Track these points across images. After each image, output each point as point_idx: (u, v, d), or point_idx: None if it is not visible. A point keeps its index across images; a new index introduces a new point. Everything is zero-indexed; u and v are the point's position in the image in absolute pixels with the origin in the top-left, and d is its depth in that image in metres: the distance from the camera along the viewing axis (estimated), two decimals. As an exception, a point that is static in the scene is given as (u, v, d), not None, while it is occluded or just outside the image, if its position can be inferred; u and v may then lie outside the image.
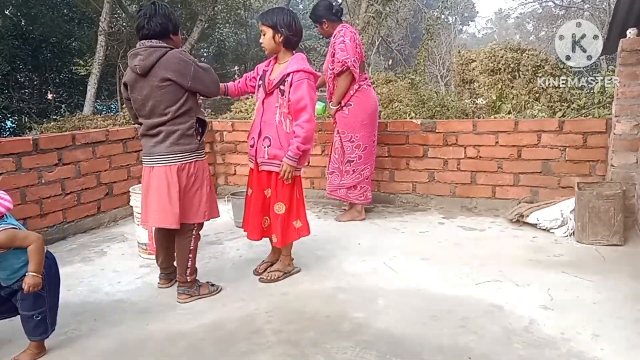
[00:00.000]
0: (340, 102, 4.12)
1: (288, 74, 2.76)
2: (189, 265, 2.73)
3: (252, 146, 2.91)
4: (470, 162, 4.49)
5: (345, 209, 4.49)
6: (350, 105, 4.10)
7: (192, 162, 2.67)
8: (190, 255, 2.74)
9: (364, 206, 4.38)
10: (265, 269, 3.09)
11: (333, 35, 4.07)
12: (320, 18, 4.12)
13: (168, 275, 2.94)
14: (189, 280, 2.74)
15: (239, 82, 3.12)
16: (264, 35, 2.86)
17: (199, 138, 2.70)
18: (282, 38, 2.82)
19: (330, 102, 4.22)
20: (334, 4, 4.14)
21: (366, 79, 4.22)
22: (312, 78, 2.81)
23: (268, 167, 2.87)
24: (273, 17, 2.82)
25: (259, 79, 2.93)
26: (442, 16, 13.54)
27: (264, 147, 2.84)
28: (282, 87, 2.78)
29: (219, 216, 2.90)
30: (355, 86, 4.07)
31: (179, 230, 2.72)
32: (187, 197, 2.68)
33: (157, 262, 2.97)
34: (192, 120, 2.66)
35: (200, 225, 2.80)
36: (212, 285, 2.86)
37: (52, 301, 2.22)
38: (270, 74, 2.88)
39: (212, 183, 2.89)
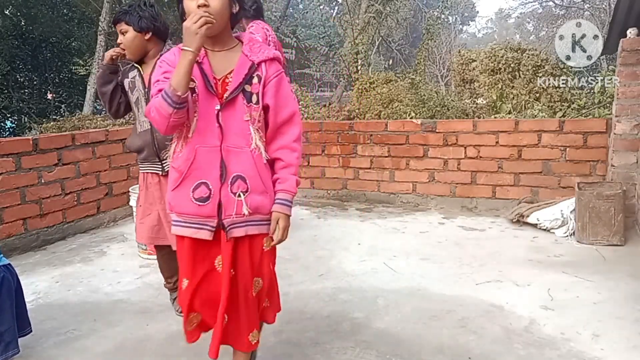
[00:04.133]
0: None
1: (258, 65, 1.67)
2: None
3: (205, 199, 1.64)
4: (471, 162, 4.49)
5: None
6: None
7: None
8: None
9: None
10: None
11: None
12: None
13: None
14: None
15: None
16: None
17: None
18: (237, 7, 1.67)
19: None
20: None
21: None
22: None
23: (244, 231, 1.68)
24: None
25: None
26: (442, 16, 13.53)
27: (238, 196, 1.64)
28: (247, 87, 1.65)
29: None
30: None
31: None
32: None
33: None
34: None
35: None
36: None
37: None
38: (210, 69, 1.65)
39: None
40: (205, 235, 1.66)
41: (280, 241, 1.71)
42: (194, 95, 1.62)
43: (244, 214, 1.65)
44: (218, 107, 1.63)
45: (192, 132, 1.65)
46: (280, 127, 1.71)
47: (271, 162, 1.73)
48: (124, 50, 2.39)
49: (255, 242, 1.71)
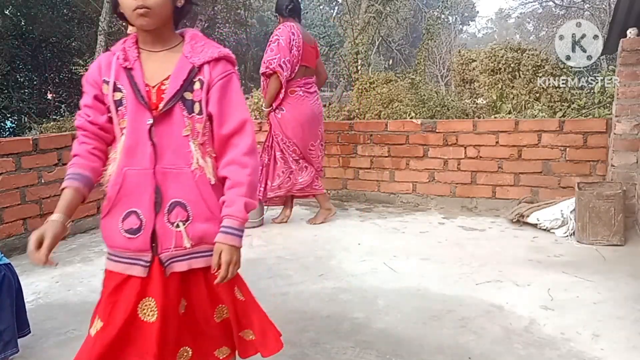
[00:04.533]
0: (272, 104, 3.97)
1: (199, 68, 1.40)
2: None
3: (136, 231, 1.37)
4: (471, 162, 4.49)
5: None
6: (283, 110, 3.96)
7: None
8: None
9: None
10: None
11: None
12: (275, 11, 4.21)
13: None
14: None
15: (87, 151, 1.48)
16: None
17: None
18: (183, 1, 1.41)
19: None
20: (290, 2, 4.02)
21: (305, 84, 4.00)
22: (236, 71, 1.50)
23: (187, 264, 1.41)
24: None
25: (113, 89, 1.39)
26: (442, 16, 13.56)
27: (177, 227, 1.38)
28: (187, 95, 1.39)
29: None
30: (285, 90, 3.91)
31: None
32: None
33: None
34: None
35: None
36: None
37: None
38: (142, 75, 1.39)
39: None
40: (138, 271, 1.37)
41: (224, 279, 1.36)
42: (120, 108, 1.38)
43: (185, 247, 1.38)
44: (150, 121, 1.36)
45: (120, 152, 1.39)
46: (229, 139, 1.40)
47: (223, 182, 1.42)
48: None
49: (209, 272, 1.40)
